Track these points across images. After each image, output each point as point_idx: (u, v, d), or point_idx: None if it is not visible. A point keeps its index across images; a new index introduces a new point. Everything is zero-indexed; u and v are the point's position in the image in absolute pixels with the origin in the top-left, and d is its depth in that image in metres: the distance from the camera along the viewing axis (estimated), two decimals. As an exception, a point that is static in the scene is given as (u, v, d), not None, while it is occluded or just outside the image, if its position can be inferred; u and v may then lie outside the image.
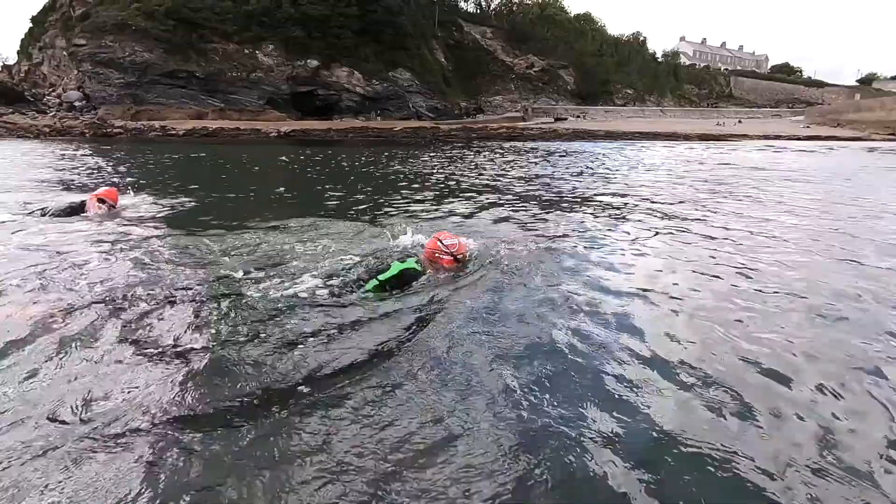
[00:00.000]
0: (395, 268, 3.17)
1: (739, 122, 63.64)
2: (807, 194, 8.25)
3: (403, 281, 3.18)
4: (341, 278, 3.29)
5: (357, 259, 3.60)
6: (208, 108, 39.59)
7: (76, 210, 5.79)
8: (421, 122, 44.38)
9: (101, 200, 5.87)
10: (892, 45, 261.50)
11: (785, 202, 7.24)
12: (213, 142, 24.17)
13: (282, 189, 9.09)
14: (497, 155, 16.77)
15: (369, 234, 4.67)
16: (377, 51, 49.59)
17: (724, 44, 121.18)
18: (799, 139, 40.95)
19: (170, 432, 1.86)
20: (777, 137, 42.48)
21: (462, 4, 79.44)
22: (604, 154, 17.83)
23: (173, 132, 26.98)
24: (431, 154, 17.09)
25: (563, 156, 17.07)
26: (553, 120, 57.64)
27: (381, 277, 3.15)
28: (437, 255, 3.39)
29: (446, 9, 71.06)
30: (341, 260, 3.71)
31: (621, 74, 79.09)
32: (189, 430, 1.88)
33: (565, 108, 67.42)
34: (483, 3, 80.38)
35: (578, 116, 64.38)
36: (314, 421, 1.96)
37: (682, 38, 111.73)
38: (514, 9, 78.78)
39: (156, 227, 5.19)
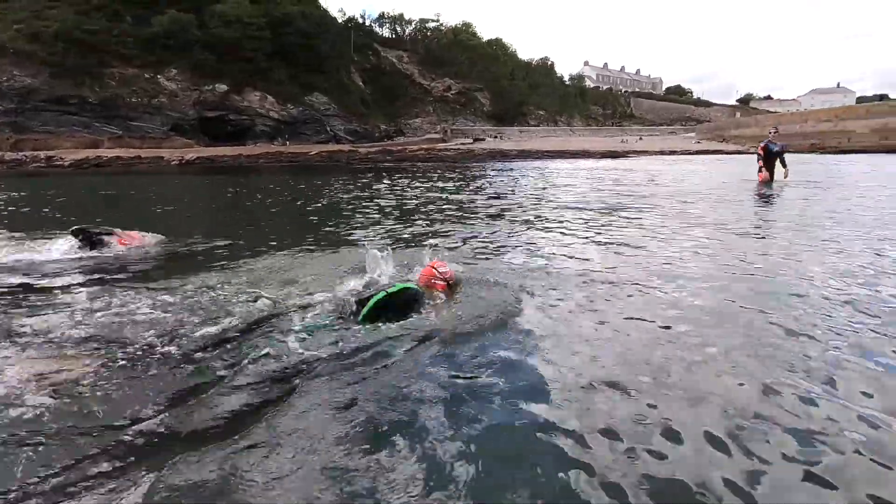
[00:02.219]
0: (398, 286, 3.07)
1: (640, 139, 69.03)
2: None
3: (406, 300, 3.08)
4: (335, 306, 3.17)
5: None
6: (104, 135, 36.81)
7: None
8: (339, 145, 44.01)
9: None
10: (765, 67, 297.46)
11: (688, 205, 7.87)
12: (103, 172, 22.37)
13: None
14: (419, 177, 16.95)
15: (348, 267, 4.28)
16: (292, 74, 48.83)
17: (623, 67, 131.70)
18: (690, 153, 45.08)
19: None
20: (672, 152, 46.42)
21: (377, 30, 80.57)
22: (525, 173, 18.59)
23: (59, 163, 24.66)
24: (345, 178, 16.95)
25: (492, 174, 17.64)
26: (472, 141, 59.38)
27: (389, 290, 2.99)
28: (432, 280, 3.42)
29: (362, 33, 71.71)
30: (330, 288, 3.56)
31: (533, 97, 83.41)
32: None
33: (483, 130, 69.81)
34: (398, 29, 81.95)
35: (496, 137, 66.84)
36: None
37: (586, 63, 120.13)
38: (428, 34, 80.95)
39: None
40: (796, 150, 41.40)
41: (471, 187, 12.99)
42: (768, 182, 10.62)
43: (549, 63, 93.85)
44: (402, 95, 69.98)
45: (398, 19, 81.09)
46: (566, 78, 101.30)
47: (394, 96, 68.09)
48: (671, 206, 8.13)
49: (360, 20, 76.35)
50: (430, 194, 11.05)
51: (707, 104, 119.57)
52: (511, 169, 21.52)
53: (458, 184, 14.03)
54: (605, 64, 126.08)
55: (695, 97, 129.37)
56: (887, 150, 36.61)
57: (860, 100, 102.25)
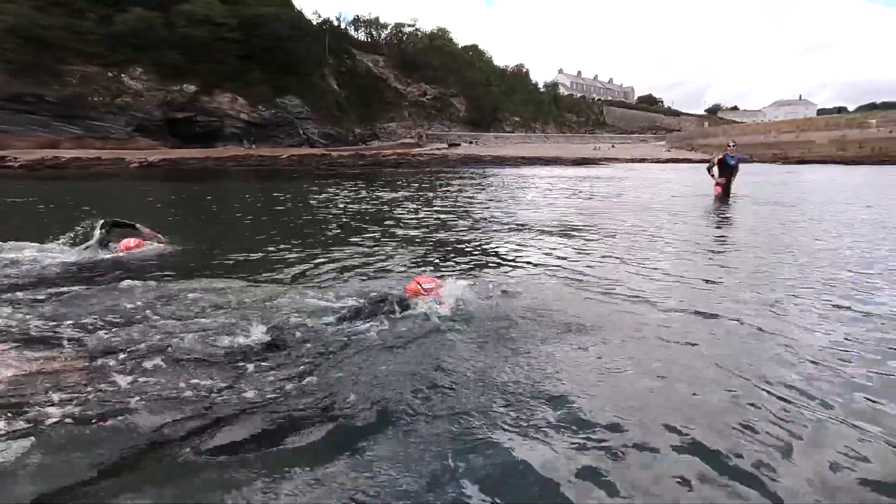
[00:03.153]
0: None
1: (613, 146, 70.22)
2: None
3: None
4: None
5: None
6: (64, 135, 35.33)
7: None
8: (312, 149, 43.38)
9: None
10: (733, 79, 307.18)
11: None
12: (54, 175, 21.26)
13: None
14: (398, 184, 16.69)
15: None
16: (264, 77, 47.95)
17: (596, 76, 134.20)
18: (661, 161, 46.01)
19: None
20: (643, 160, 47.32)
21: (353, 33, 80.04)
22: (505, 179, 18.54)
23: (10, 164, 23.38)
24: (308, 185, 16.55)
25: (467, 178, 17.50)
26: (447, 145, 59.43)
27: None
28: (418, 296, 3.48)
29: (337, 36, 71.10)
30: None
31: (509, 103, 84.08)
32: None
33: (458, 135, 69.95)
34: (374, 33, 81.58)
35: (471, 142, 67.06)
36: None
37: (561, 71, 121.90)
38: (404, 39, 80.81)
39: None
40: (760, 160, 42.75)
41: (426, 198, 12.79)
42: (724, 197, 10.67)
43: (524, 70, 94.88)
44: (377, 99, 69.61)
45: (374, 23, 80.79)
46: (541, 85, 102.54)
47: (369, 100, 67.67)
48: (630, 225, 8.11)
49: (336, 23, 75.78)
50: (382, 208, 10.83)
51: (677, 113, 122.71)
52: (482, 175, 21.49)
53: (417, 193, 13.81)
54: (579, 72, 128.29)
55: (665, 106, 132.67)
56: (844, 160, 38.08)
57: (820, 112, 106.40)
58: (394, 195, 12.88)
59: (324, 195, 12.75)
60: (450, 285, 3.62)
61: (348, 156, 30.68)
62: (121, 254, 5.34)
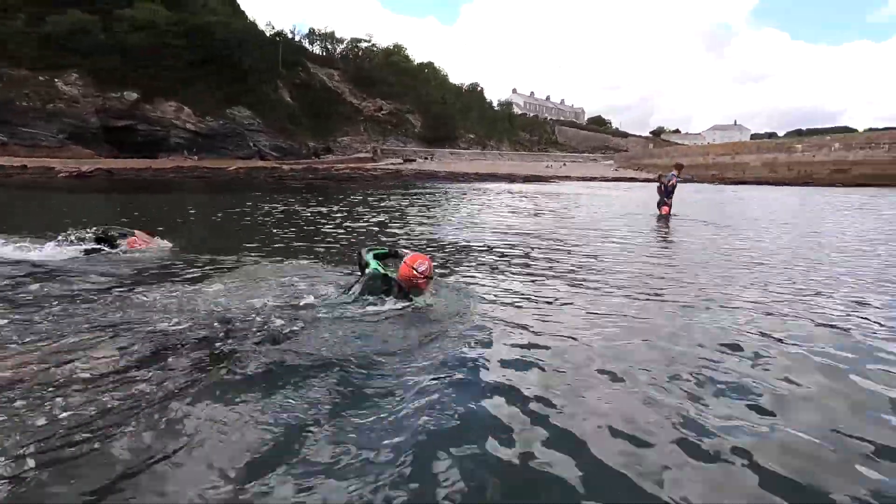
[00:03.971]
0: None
1: (564, 165, 72.30)
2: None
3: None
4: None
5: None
6: (-15, 142, 32.84)
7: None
8: (262, 161, 42.17)
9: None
10: (676, 103, 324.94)
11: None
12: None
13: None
14: (338, 197, 16.26)
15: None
16: (212, 86, 46.48)
17: (548, 97, 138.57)
18: (608, 180, 47.62)
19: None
20: (592, 179, 48.84)
21: (308, 46, 79.19)
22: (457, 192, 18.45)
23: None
24: (257, 197, 15.90)
25: (405, 200, 17.28)
26: (402, 161, 59.33)
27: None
28: (413, 281, 3.50)
29: (291, 49, 70.12)
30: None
31: (464, 120, 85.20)
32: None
33: (414, 150, 70.08)
34: (329, 47, 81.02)
35: (426, 158, 67.28)
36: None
37: (514, 90, 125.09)
38: (359, 54, 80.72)
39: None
40: (700, 181, 45.01)
41: (357, 211, 12.54)
42: (667, 216, 10.92)
43: (480, 89, 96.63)
44: (332, 113, 68.84)
45: (329, 37, 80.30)
46: (495, 104, 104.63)
47: (324, 113, 66.81)
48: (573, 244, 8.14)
49: (290, 35, 74.78)
50: (309, 223, 10.48)
51: (624, 135, 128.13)
52: (432, 192, 21.43)
53: (352, 207, 13.52)
54: (532, 92, 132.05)
55: (614, 128, 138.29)
56: (775, 181, 40.67)
57: (753, 136, 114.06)
58: (330, 208, 12.52)
59: (261, 208, 12.23)
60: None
61: (300, 169, 29.94)
62: (130, 249, 5.60)
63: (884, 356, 2.86)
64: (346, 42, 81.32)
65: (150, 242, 5.84)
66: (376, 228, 8.61)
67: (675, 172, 11.31)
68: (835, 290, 4.36)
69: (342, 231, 8.39)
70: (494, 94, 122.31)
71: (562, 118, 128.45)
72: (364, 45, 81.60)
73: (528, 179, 39.88)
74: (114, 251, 5.47)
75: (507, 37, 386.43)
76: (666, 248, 7.27)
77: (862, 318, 3.52)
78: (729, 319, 3.40)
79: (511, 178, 39.12)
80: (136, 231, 5.96)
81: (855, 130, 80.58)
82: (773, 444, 1.92)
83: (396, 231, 8.38)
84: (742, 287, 4.44)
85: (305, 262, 5.43)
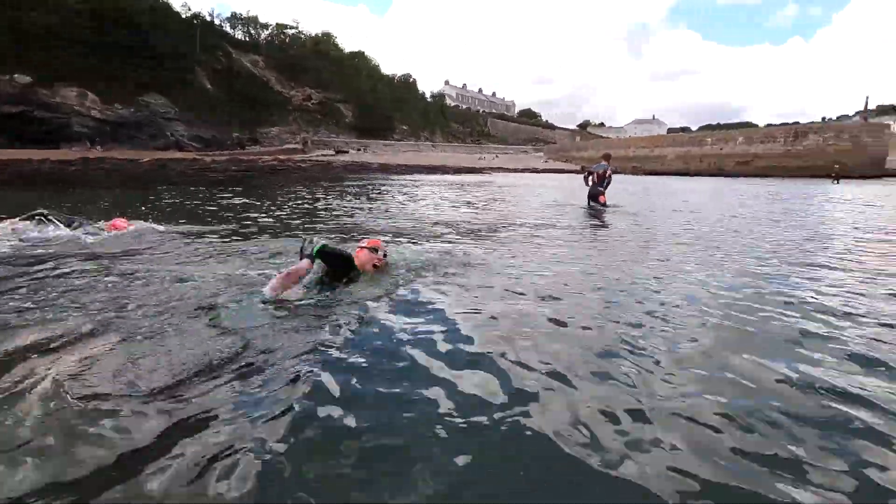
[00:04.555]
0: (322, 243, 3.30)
1: (497, 157, 73.62)
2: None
3: (332, 258, 3.35)
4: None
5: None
6: None
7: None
8: (182, 152, 39.51)
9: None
10: (601, 98, 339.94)
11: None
12: None
13: None
14: (256, 191, 15.49)
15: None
16: (122, 71, 42.88)
17: (480, 89, 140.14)
18: (539, 171, 49.05)
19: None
20: (524, 170, 50.09)
21: (230, 30, 74.91)
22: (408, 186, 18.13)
23: None
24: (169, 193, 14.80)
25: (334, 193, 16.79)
26: (334, 152, 57.88)
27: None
28: (367, 262, 3.59)
29: (211, 33, 65.99)
30: None
31: (397, 111, 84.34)
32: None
33: (346, 142, 68.54)
34: (253, 32, 77.10)
35: (359, 149, 66.04)
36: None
37: (447, 82, 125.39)
38: (286, 40, 77.50)
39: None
40: (623, 172, 47.41)
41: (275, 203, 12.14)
42: (604, 204, 11.13)
43: (412, 80, 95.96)
44: (257, 102, 65.68)
45: (252, 21, 76.43)
46: (428, 95, 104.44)
47: (248, 102, 63.61)
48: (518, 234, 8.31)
49: (209, 18, 70.33)
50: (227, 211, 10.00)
51: (553, 127, 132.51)
52: (367, 181, 21.06)
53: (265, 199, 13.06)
54: (464, 84, 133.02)
55: (543, 120, 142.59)
56: (689, 173, 43.72)
57: (670, 130, 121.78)
58: (247, 201, 11.96)
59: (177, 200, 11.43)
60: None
61: (222, 161, 28.28)
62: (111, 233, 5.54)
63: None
64: (271, 28, 77.76)
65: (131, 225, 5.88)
66: (297, 221, 8.30)
67: (605, 163, 11.50)
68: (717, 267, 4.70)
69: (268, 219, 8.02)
70: (427, 86, 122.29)
71: (493, 111, 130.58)
72: (291, 31, 78.45)
73: (461, 171, 40.24)
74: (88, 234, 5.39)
75: (439, 28, 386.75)
76: (600, 234, 7.58)
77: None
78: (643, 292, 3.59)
79: (445, 170, 39.29)
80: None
81: (757, 126, 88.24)
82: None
83: (324, 222, 8.13)
84: (673, 262, 4.70)
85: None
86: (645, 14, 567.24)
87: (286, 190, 16.01)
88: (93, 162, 25.17)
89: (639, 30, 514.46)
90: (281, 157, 39.95)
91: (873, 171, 35.28)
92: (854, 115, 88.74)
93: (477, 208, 11.22)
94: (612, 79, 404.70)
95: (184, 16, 61.65)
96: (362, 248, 3.72)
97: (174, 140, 45.80)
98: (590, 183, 11.52)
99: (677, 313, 3.25)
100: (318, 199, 12.76)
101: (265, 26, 77.58)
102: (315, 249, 3.22)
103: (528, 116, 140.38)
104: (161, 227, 6.14)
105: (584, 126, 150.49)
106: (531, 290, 3.69)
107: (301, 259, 3.24)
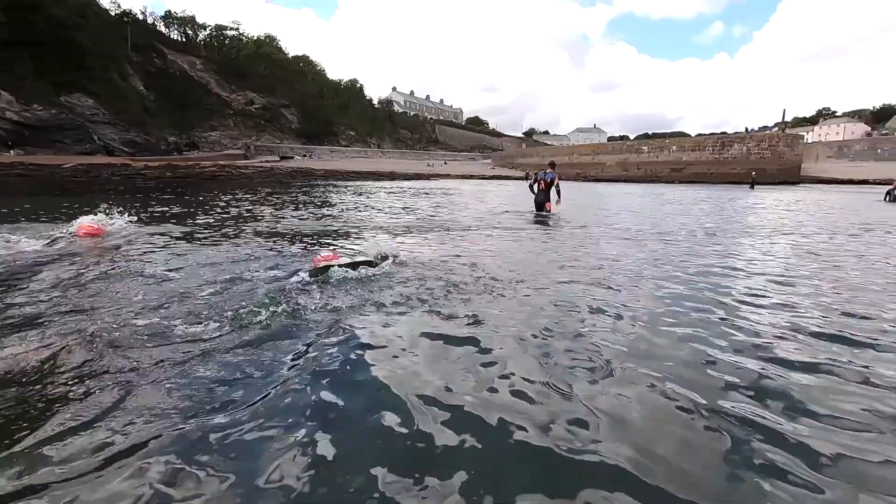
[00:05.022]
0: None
1: (445, 163, 74.13)
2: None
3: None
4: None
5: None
6: None
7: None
8: (110, 157, 37.10)
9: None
10: (545, 107, 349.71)
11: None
12: None
13: None
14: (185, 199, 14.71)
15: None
16: (41, 70, 39.86)
17: (428, 96, 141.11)
18: (486, 178, 49.73)
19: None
20: (471, 177, 50.61)
21: (164, 30, 71.50)
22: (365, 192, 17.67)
23: None
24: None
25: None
26: (279, 158, 56.31)
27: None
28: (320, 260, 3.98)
29: (144, 31, 62.71)
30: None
31: (344, 117, 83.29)
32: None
33: (291, 147, 66.89)
34: (190, 33, 74.01)
35: (305, 155, 64.62)
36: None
37: (394, 89, 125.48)
38: (226, 42, 74.87)
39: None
40: (567, 178, 48.82)
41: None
42: (549, 211, 11.20)
43: (359, 85, 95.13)
44: (195, 105, 63.02)
45: (189, 21, 73.38)
46: (375, 101, 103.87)
47: (185, 106, 60.92)
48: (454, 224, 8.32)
49: (141, 16, 66.89)
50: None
51: (500, 135, 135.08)
52: (310, 188, 20.55)
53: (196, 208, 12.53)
54: (412, 91, 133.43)
55: (490, 128, 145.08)
56: (627, 179, 45.70)
57: (610, 139, 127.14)
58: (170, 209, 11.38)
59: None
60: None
61: (156, 167, 26.71)
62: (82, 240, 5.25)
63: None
64: (209, 29, 74.97)
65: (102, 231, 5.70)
66: (232, 230, 7.95)
67: (552, 171, 11.37)
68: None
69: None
70: (374, 92, 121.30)
71: (442, 118, 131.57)
72: (231, 33, 75.94)
73: (410, 177, 40.16)
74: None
75: (386, 35, 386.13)
76: (549, 240, 7.71)
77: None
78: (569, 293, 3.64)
79: (394, 176, 39.08)
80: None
81: (689, 135, 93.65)
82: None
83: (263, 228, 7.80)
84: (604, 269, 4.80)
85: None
86: (585, 26, 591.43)
87: (226, 196, 15.35)
88: (3, 167, 23.13)
89: (580, 41, 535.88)
90: (222, 162, 38.33)
91: (790, 177, 38.21)
92: (773, 126, 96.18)
93: (425, 213, 11.18)
94: (556, 88, 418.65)
95: (113, 13, 58.31)
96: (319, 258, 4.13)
97: (102, 144, 42.94)
98: (535, 190, 11.52)
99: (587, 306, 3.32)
100: (256, 204, 12.29)
101: (203, 27, 74.83)
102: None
103: (476, 124, 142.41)
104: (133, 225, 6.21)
105: (529, 134, 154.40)
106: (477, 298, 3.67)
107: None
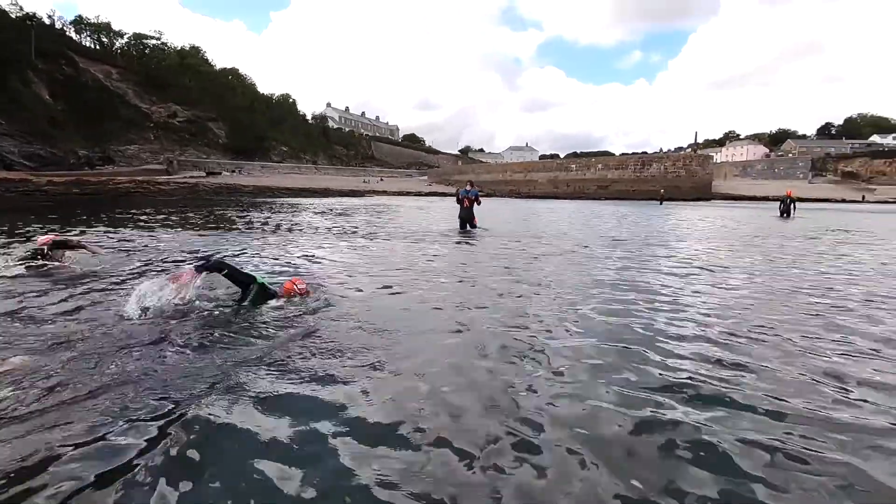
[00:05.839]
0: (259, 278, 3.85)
1: (381, 180, 73.71)
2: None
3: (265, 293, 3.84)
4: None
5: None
6: None
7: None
8: (7, 171, 33.63)
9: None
10: (482, 125, 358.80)
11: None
12: None
13: None
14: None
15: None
16: (-77, 74, 35.75)
17: (363, 113, 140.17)
18: (422, 195, 49.92)
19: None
20: (408, 193, 50.63)
21: (75, 36, 66.54)
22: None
23: None
24: None
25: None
26: (205, 174, 53.62)
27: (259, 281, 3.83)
28: (293, 293, 3.99)
29: (51, 37, 57.94)
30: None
31: (276, 132, 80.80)
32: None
33: (219, 163, 63.96)
34: (105, 40, 69.36)
35: (234, 171, 61.96)
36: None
37: (329, 104, 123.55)
38: (146, 51, 70.84)
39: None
40: (501, 195, 50.04)
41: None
42: (475, 227, 11.58)
43: (291, 100, 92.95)
44: (111, 117, 58.70)
45: (104, 28, 68.80)
46: (309, 117, 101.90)
47: (100, 117, 56.58)
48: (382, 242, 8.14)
49: (48, 21, 61.89)
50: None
51: (436, 152, 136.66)
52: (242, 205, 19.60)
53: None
54: (347, 108, 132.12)
55: (427, 145, 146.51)
56: (557, 196, 47.53)
57: (541, 157, 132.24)
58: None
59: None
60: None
61: (62, 182, 24.41)
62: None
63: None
64: (127, 37, 70.69)
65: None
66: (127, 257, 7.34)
67: (471, 188, 11.85)
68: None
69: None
70: (308, 108, 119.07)
71: (378, 134, 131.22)
72: (152, 42, 71.90)
73: (345, 194, 39.53)
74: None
75: (320, 50, 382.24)
76: (473, 253, 7.70)
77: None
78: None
79: (328, 193, 38.27)
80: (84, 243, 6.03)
81: (613, 154, 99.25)
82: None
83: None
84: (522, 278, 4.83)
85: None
86: (517, 50, 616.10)
87: (133, 215, 14.24)
88: None
89: (513, 64, 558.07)
90: (140, 178, 35.85)
91: (703, 194, 41.30)
92: (687, 147, 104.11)
93: (360, 230, 10.90)
94: (491, 107, 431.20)
95: (14, 15, 53.49)
96: (290, 282, 4.22)
97: (-2, 158, 38.92)
98: (465, 205, 11.81)
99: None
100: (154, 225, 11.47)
101: (120, 35, 70.42)
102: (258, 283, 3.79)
103: (412, 141, 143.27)
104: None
105: (465, 151, 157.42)
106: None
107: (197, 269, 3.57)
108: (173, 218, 13.71)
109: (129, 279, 4.92)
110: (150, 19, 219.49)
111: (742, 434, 2.05)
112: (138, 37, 71.12)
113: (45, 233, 6.81)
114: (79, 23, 66.82)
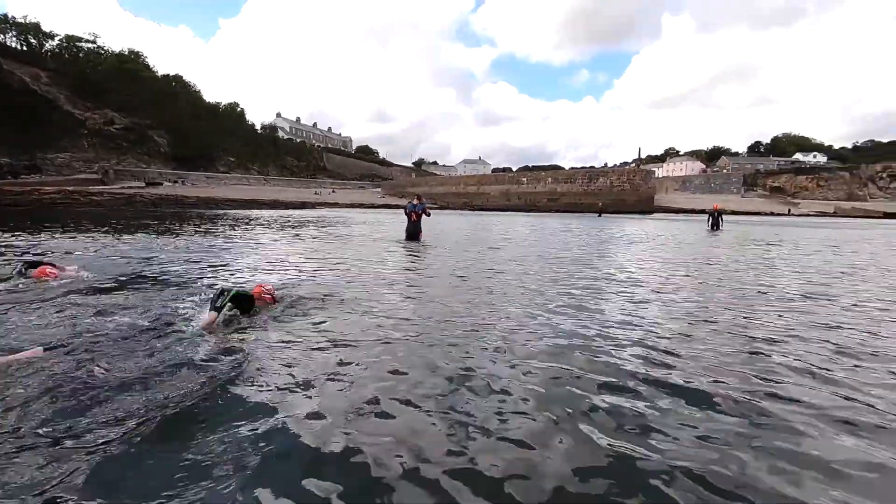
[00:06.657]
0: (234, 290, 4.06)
1: (334, 191, 72.66)
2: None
3: (241, 301, 4.08)
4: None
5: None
6: None
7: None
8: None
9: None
10: (436, 138, 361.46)
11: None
12: None
13: None
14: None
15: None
16: None
17: (315, 124, 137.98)
18: (375, 207, 49.48)
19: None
20: (361, 205, 50.02)
21: (-1, 36, 62.08)
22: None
23: None
24: None
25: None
26: (144, 184, 51.00)
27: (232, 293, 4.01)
28: (262, 295, 4.38)
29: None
30: None
31: (223, 141, 78.10)
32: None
33: (160, 172, 61.09)
34: (33, 41, 65.09)
35: (176, 181, 59.32)
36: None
37: (279, 115, 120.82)
38: (80, 55, 67.03)
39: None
40: (454, 207, 50.31)
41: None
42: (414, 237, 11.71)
43: (239, 109, 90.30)
44: (39, 123, 54.90)
45: (33, 29, 64.63)
46: (258, 127, 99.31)
47: (26, 123, 52.80)
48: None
49: (-33, 18, 57.47)
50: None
51: (390, 164, 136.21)
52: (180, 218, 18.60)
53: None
54: (299, 118, 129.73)
55: (380, 157, 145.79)
56: (509, 208, 48.31)
57: (494, 170, 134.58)
58: None
59: None
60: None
61: (-20, 192, 22.39)
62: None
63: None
64: (59, 38, 66.66)
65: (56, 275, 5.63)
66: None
67: (418, 202, 12.06)
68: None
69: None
70: (258, 117, 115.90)
71: (330, 145, 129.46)
72: (87, 45, 68.12)
73: (296, 206, 38.55)
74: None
75: (270, 59, 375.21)
76: (420, 265, 7.58)
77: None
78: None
79: (277, 205, 37.21)
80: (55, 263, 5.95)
81: (563, 168, 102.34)
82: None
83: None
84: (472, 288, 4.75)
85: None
86: (472, 64, 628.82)
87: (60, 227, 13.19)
88: None
89: (467, 78, 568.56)
90: (70, 188, 33.54)
91: (646, 207, 43.10)
92: (631, 162, 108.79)
93: (315, 248, 10.54)
94: (446, 120, 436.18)
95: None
96: (258, 287, 4.50)
97: None
98: (413, 219, 11.90)
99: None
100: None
101: (51, 36, 66.31)
102: (230, 296, 3.94)
103: (366, 153, 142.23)
104: (88, 275, 5.95)
105: (419, 164, 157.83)
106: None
107: (210, 310, 3.84)
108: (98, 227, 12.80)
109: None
110: (85, 21, 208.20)
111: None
112: (71, 39, 67.27)
113: None
114: (3, 21, 62.43)
